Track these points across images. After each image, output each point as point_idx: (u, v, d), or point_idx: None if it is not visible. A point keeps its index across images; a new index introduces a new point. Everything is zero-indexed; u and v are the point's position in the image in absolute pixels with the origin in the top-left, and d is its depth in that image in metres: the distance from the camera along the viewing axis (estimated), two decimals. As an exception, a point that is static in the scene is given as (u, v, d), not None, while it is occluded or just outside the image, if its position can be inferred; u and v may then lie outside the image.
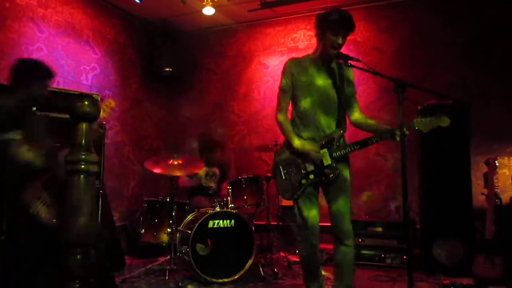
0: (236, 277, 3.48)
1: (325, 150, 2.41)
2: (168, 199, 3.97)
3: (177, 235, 3.75)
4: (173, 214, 3.72)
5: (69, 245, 1.36)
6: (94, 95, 3.85)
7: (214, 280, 3.42)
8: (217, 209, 3.63)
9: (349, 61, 2.32)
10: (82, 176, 1.39)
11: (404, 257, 3.91)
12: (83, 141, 1.41)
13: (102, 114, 2.75)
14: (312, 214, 2.46)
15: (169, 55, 5.39)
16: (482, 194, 3.58)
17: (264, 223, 4.38)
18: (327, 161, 2.39)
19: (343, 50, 2.42)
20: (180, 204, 3.99)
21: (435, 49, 4.57)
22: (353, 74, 2.58)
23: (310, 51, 2.59)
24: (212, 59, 5.78)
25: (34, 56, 4.09)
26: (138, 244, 4.14)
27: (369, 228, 4.19)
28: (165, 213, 3.97)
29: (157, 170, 3.78)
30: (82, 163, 1.38)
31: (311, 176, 2.43)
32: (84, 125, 1.42)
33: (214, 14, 4.92)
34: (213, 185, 4.45)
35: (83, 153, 1.39)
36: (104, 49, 4.97)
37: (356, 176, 4.61)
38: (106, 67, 4.98)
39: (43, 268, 2.17)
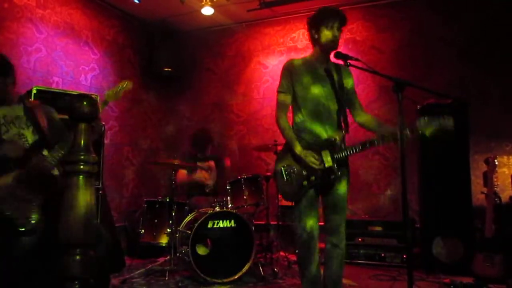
0: (236, 277, 3.48)
1: (326, 151, 2.41)
2: (167, 200, 3.97)
3: (177, 235, 3.74)
4: (173, 214, 3.71)
5: (69, 246, 1.36)
6: (93, 96, 3.84)
7: (214, 280, 3.41)
8: (217, 209, 3.62)
9: (348, 61, 2.32)
10: (81, 176, 1.38)
11: (404, 256, 3.91)
12: (82, 142, 1.41)
13: (116, 96, 2.40)
14: (310, 223, 2.44)
15: (168, 55, 5.39)
16: (482, 193, 3.59)
17: (263, 222, 4.39)
18: (329, 162, 2.39)
19: (342, 49, 2.42)
20: (179, 205, 3.98)
21: (434, 49, 4.57)
22: (353, 78, 2.58)
23: (309, 51, 2.59)
24: (211, 59, 5.78)
25: (33, 57, 4.09)
26: (137, 245, 4.14)
27: (368, 227, 4.19)
28: (164, 213, 3.97)
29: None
30: (81, 163, 1.38)
31: (312, 178, 2.42)
32: (83, 126, 1.41)
33: (213, 14, 4.93)
34: (210, 182, 4.44)
35: (82, 153, 1.39)
36: (103, 49, 4.96)
37: (356, 175, 4.66)
38: (105, 67, 4.98)
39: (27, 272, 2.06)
